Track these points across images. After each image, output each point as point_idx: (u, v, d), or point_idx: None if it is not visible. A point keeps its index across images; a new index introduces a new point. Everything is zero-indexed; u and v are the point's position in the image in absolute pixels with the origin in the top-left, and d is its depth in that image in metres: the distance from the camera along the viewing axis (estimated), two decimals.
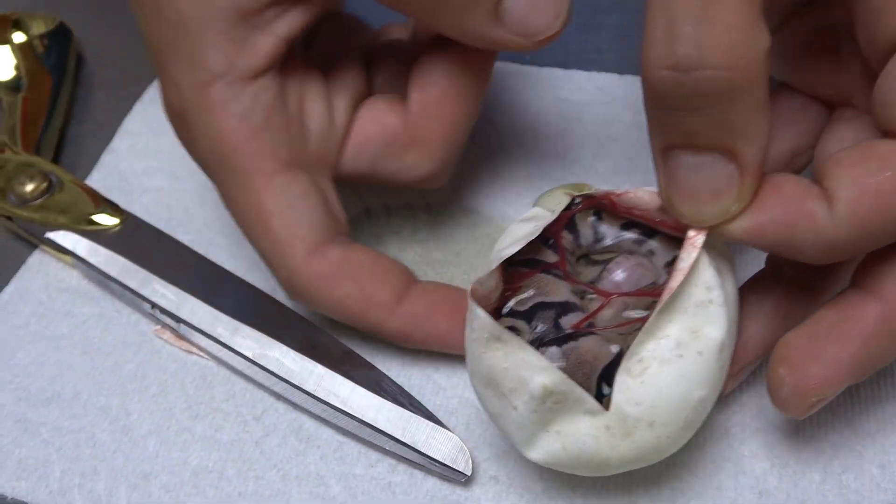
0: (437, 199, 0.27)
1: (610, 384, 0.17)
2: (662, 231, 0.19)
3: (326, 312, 0.22)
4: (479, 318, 0.17)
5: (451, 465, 0.20)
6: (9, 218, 0.27)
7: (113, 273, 0.25)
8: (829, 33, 0.20)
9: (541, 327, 0.18)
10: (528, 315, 0.18)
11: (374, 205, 0.27)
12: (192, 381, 0.23)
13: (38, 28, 0.32)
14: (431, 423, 0.21)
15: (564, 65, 0.29)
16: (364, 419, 0.21)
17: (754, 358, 0.20)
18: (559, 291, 0.19)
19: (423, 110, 0.22)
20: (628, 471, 0.18)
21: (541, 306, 0.19)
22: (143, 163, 0.29)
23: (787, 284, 0.20)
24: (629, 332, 0.18)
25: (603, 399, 0.17)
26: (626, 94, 0.28)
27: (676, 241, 0.18)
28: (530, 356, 0.17)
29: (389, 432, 0.21)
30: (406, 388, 0.22)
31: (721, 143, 0.16)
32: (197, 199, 0.28)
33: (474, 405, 0.22)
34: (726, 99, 0.15)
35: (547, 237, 0.19)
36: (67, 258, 0.26)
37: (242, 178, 0.21)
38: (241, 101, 0.20)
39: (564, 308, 0.19)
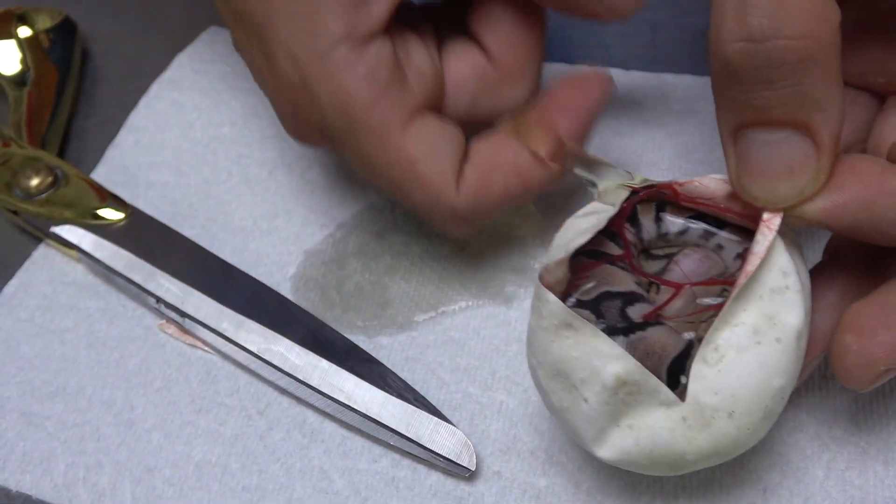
0: None
1: (679, 375, 0.16)
2: (731, 223, 0.18)
3: (494, 216, 0.22)
4: (550, 303, 0.16)
5: (454, 460, 0.20)
6: (14, 212, 0.27)
7: (118, 267, 0.25)
8: (877, 21, 0.20)
9: (607, 317, 0.18)
10: (594, 304, 0.17)
11: (378, 200, 0.26)
12: (197, 376, 0.23)
13: (44, 22, 0.32)
14: (435, 419, 0.21)
15: (570, 60, 0.29)
16: (368, 414, 0.21)
17: (821, 351, 0.19)
18: (624, 282, 0.18)
19: (502, 45, 0.23)
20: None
21: (606, 296, 0.18)
22: (149, 157, 0.29)
23: (849, 274, 0.19)
24: (700, 321, 0.17)
25: (675, 391, 0.16)
26: (631, 89, 0.28)
27: (746, 234, 0.17)
28: (603, 344, 0.16)
29: (393, 427, 0.21)
30: (410, 383, 0.21)
31: (796, 117, 0.15)
32: (202, 194, 0.27)
33: (478, 401, 0.21)
34: (801, 70, 0.15)
35: (609, 230, 0.18)
36: (73, 252, 0.26)
37: (379, 135, 0.21)
38: (365, 62, 0.21)
39: (631, 298, 0.18)
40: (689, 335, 0.17)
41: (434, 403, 0.21)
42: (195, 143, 0.29)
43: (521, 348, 0.22)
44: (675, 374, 0.16)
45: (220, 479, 0.21)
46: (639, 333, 0.17)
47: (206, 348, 0.24)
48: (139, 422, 0.22)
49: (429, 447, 0.20)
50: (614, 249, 0.19)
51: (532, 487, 0.20)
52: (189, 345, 0.24)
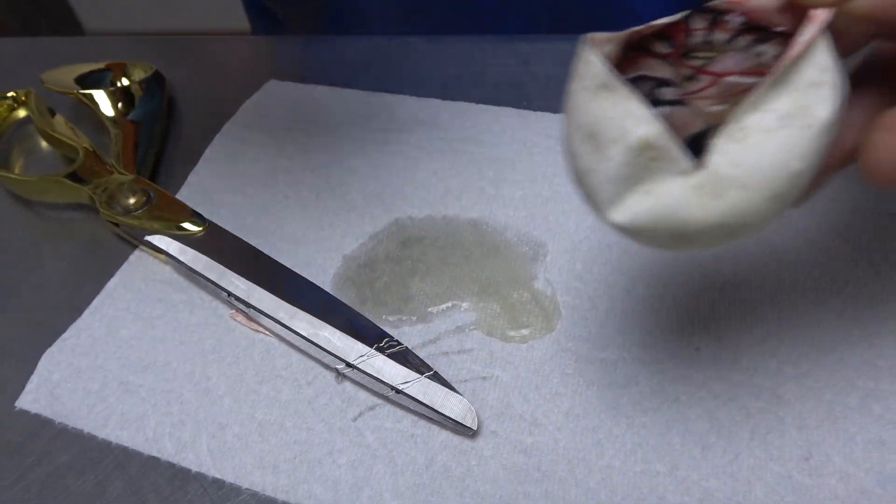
0: (452, 210, 0.26)
1: (697, 152, 0.14)
2: (778, 35, 0.16)
3: None
4: (592, 63, 0.14)
5: (461, 421, 0.20)
6: (115, 224, 0.27)
7: (198, 268, 0.25)
8: None
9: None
10: (628, 84, 0.14)
11: (402, 216, 0.26)
12: (259, 354, 0.23)
13: (139, 75, 0.32)
14: (446, 389, 0.21)
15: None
16: (393, 385, 0.21)
17: (848, 154, 0.16)
18: (663, 71, 0.16)
19: None
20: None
21: (642, 79, 0.16)
22: (221, 182, 0.28)
23: (888, 80, 0.16)
24: (732, 104, 0.15)
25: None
26: None
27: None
28: (636, 106, 0.14)
29: (413, 395, 0.21)
30: (427, 362, 0.22)
31: None
32: (263, 212, 0.27)
33: (479, 376, 0.22)
34: None
35: (663, 35, 0.16)
36: (161, 256, 0.26)
37: None
38: None
39: (664, 83, 0.16)
40: (720, 106, 0.15)
41: (445, 377, 0.21)
42: (258, 172, 0.29)
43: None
44: (694, 150, 0.14)
45: (277, 434, 0.21)
46: (662, 108, 0.15)
47: (267, 332, 0.24)
48: (213, 389, 0.22)
49: (441, 411, 0.20)
50: (666, 49, 0.16)
51: (521, 444, 0.20)
52: (253, 330, 0.24)
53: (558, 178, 0.27)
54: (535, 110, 0.29)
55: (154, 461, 0.21)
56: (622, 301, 0.23)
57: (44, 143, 0.32)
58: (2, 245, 0.28)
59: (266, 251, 0.25)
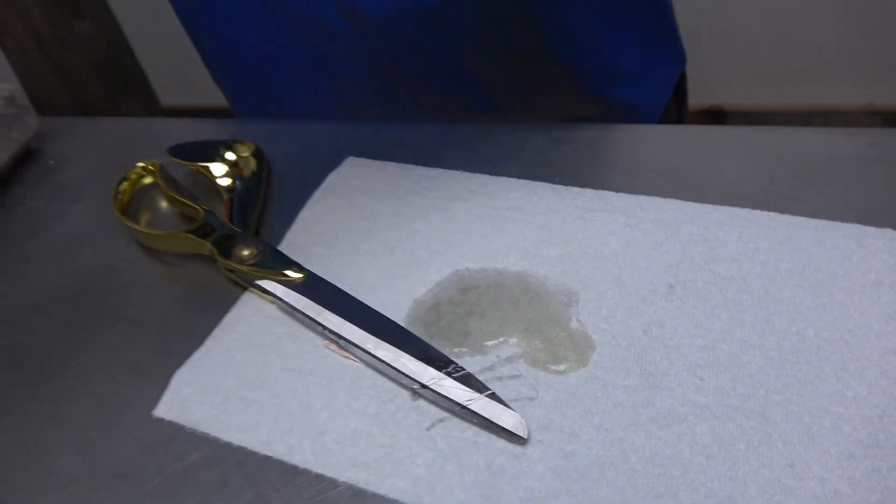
0: (501, 264, 0.29)
1: None
2: None
3: None
4: None
5: (514, 431, 0.23)
6: (230, 270, 0.30)
7: (298, 307, 0.28)
8: None
9: None
10: None
11: (461, 268, 0.29)
12: (349, 377, 0.26)
13: (244, 151, 0.36)
14: (502, 406, 0.24)
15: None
16: (459, 402, 0.24)
17: None
18: None
19: None
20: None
21: None
22: (313, 239, 0.32)
23: None
24: None
25: None
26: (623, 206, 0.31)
27: None
28: None
29: (475, 410, 0.23)
30: (486, 384, 0.25)
31: None
32: (348, 263, 0.30)
33: (527, 396, 0.24)
34: None
35: None
36: (268, 297, 0.29)
37: None
38: None
39: None
40: None
41: (501, 396, 0.24)
42: (342, 232, 0.32)
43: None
44: None
45: (366, 439, 0.24)
46: None
47: (355, 359, 0.26)
48: (313, 404, 0.25)
49: (498, 423, 0.23)
50: None
51: (562, 451, 0.23)
52: (344, 357, 0.27)
53: (586, 241, 0.30)
54: (565, 185, 0.33)
55: (267, 459, 0.24)
56: (640, 339, 0.26)
57: (164, 204, 0.37)
58: (134, 285, 0.32)
59: (352, 293, 0.29)
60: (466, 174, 0.35)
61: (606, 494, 0.22)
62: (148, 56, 1.64)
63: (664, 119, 0.50)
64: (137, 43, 1.59)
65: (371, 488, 0.23)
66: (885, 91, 1.33)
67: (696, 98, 1.38)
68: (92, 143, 0.43)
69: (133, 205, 0.36)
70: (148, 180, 0.37)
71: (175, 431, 0.26)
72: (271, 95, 0.45)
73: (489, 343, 0.27)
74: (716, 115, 1.42)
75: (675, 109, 0.52)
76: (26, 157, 0.42)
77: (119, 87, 1.53)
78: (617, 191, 0.32)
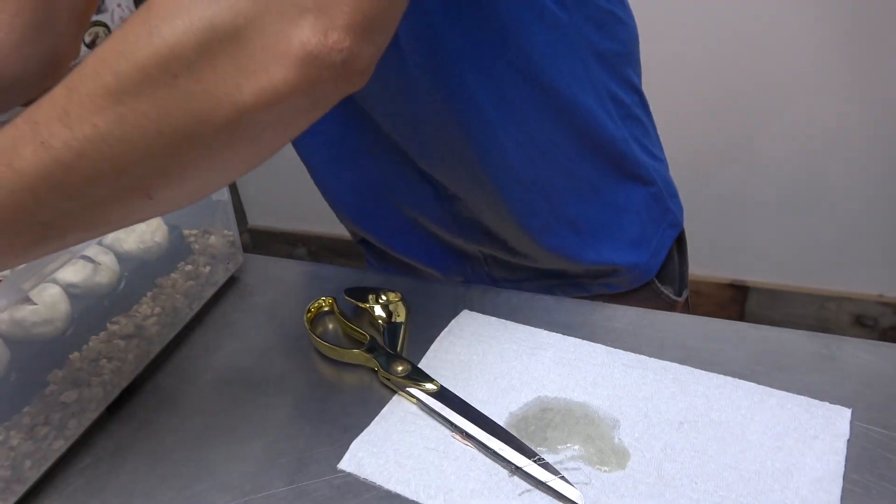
0: (568, 395, 0.46)
1: None
2: None
3: None
4: None
5: (577, 501, 0.37)
6: (387, 379, 0.44)
7: (435, 408, 0.41)
8: None
9: None
10: None
11: (541, 395, 0.45)
12: (468, 457, 0.40)
13: (395, 297, 0.52)
14: (568, 485, 0.37)
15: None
16: (541, 479, 0.38)
17: None
18: None
19: None
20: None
21: None
22: (442, 364, 0.46)
23: None
24: None
25: None
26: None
27: None
28: None
29: (552, 486, 0.37)
30: (558, 470, 0.38)
31: None
32: (467, 382, 0.45)
33: (584, 481, 0.38)
34: None
35: None
36: (413, 399, 0.43)
37: None
38: None
39: None
40: None
41: (567, 478, 0.38)
42: (461, 362, 0.47)
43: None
44: None
45: (478, 498, 0.38)
46: None
47: (472, 446, 0.40)
48: (445, 470, 0.39)
49: (566, 495, 0.37)
50: None
51: None
52: (464, 444, 0.40)
53: (627, 387, 0.45)
54: (614, 347, 0.49)
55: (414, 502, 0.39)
56: (658, 455, 0.41)
57: (331, 326, 0.54)
58: (315, 382, 0.48)
59: (474, 405, 0.43)
60: (546, 332, 0.51)
61: None
62: (240, 182, 1.91)
63: (663, 272, 0.59)
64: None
65: None
66: (894, 284, 1.48)
67: (723, 273, 1.54)
68: (276, 278, 0.61)
69: (313, 327, 0.54)
70: (326, 308, 0.54)
71: (353, 480, 0.41)
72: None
73: (559, 447, 0.42)
74: (739, 289, 1.58)
75: (677, 264, 0.60)
76: (230, 282, 0.61)
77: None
78: (649, 356, 0.47)
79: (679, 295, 0.61)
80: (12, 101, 0.43)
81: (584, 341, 0.49)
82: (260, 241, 1.98)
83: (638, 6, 0.58)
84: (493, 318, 0.52)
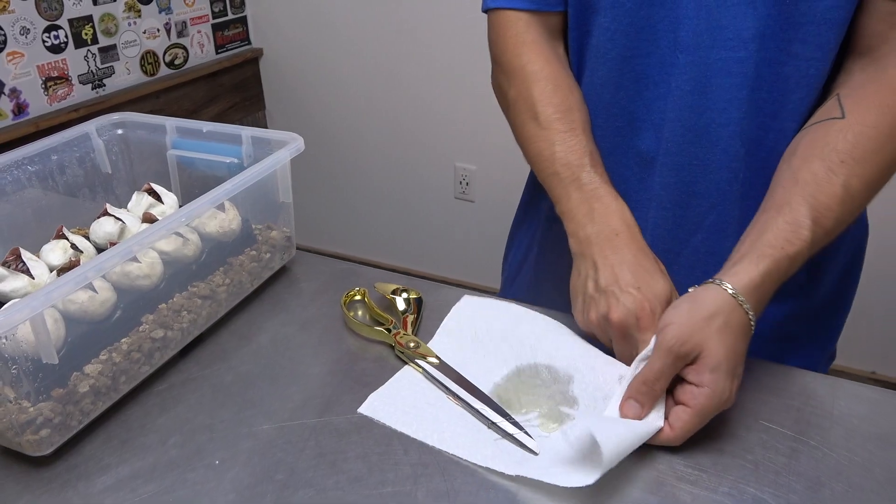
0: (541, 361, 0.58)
1: None
2: None
3: None
4: None
5: (533, 449, 0.50)
6: (402, 353, 0.58)
7: (436, 376, 0.55)
8: None
9: None
10: None
11: (521, 363, 0.59)
12: (458, 413, 0.52)
13: (414, 294, 0.65)
14: (528, 436, 0.50)
15: None
16: (510, 433, 0.50)
17: None
18: None
19: None
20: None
21: None
22: (447, 343, 0.59)
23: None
24: None
25: None
26: None
27: None
28: None
29: (517, 438, 0.50)
30: (524, 426, 0.52)
31: None
32: (463, 356, 0.58)
33: (541, 435, 0.52)
34: None
35: None
36: (419, 369, 0.56)
37: None
38: None
39: None
40: None
41: (530, 434, 0.51)
42: (460, 342, 0.60)
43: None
44: None
45: (463, 439, 0.50)
46: None
47: (462, 407, 0.53)
48: (441, 420, 0.52)
49: (527, 445, 0.50)
50: None
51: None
52: (456, 404, 0.53)
53: (579, 349, 0.59)
54: None
55: (419, 442, 0.51)
56: (598, 403, 0.53)
57: (361, 311, 0.67)
58: (344, 350, 0.61)
59: (462, 374, 0.57)
60: (524, 308, 0.63)
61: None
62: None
63: None
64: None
65: (459, 452, 0.50)
66: (886, 363, 1.56)
67: None
68: (320, 271, 0.75)
69: (347, 306, 0.67)
70: (357, 297, 0.68)
71: (369, 422, 0.53)
72: None
73: (529, 410, 0.54)
74: None
75: None
76: (283, 270, 0.75)
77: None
78: None
79: None
80: None
81: (548, 316, 0.63)
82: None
83: None
84: (487, 300, 0.66)
